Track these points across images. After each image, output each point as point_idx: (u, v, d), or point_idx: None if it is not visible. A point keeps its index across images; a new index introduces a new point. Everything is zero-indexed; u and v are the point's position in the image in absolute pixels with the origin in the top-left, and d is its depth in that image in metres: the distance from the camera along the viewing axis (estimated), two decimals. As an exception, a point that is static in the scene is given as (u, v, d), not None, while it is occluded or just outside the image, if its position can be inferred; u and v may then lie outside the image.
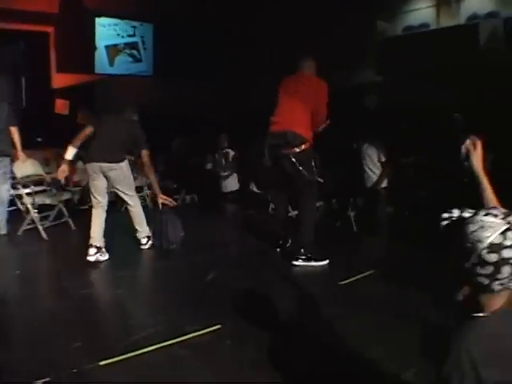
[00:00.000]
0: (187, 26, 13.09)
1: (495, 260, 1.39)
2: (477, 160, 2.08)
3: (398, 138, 7.88)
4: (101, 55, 13.24)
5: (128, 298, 4.16)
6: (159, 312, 3.72)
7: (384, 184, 6.52)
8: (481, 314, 1.48)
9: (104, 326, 3.65)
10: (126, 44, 13.65)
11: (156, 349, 3.13)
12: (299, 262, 4.73)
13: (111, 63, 13.46)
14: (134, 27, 13.68)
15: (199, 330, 3.32)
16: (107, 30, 13.24)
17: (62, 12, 12.00)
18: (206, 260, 4.86)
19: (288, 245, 5.16)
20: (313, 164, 4.77)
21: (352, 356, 3.02)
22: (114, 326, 3.66)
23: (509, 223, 1.42)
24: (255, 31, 13.12)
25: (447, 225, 1.54)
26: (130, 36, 13.66)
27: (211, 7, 12.82)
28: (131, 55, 13.76)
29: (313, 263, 4.71)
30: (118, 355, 3.01)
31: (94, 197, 5.15)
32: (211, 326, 3.37)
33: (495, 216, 1.44)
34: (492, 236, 1.40)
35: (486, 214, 1.45)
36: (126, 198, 5.31)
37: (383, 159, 6.46)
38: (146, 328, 3.40)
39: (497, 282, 1.42)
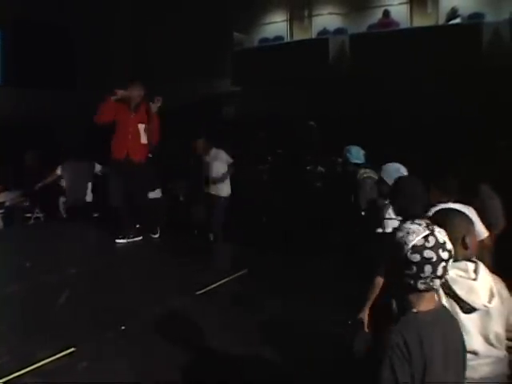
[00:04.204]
0: (39, 30, 12.32)
1: (418, 260, 1.62)
2: None
3: (255, 146, 8.16)
4: None
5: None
6: (3, 342, 3.39)
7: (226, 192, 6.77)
8: (413, 310, 1.69)
9: None
10: (-33, 50, 12.47)
11: (4, 382, 2.87)
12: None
13: (-50, 70, 12.21)
14: (-22, 31, 12.56)
15: (52, 356, 3.11)
16: None
17: None
18: (59, 280, 4.56)
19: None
20: None
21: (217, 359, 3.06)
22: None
23: (430, 230, 1.65)
24: (111, 36, 12.83)
25: (379, 236, 1.76)
26: (-28, 41, 12.50)
27: (63, 11, 12.23)
28: (-26, 62, 12.59)
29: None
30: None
31: None
32: (65, 350, 3.17)
33: (419, 224, 1.68)
34: (415, 239, 1.63)
35: (412, 223, 1.69)
36: None
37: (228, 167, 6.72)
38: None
39: (420, 281, 1.64)
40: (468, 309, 2.05)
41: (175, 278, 4.61)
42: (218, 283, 4.38)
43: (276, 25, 12.74)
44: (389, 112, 8.86)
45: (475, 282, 2.07)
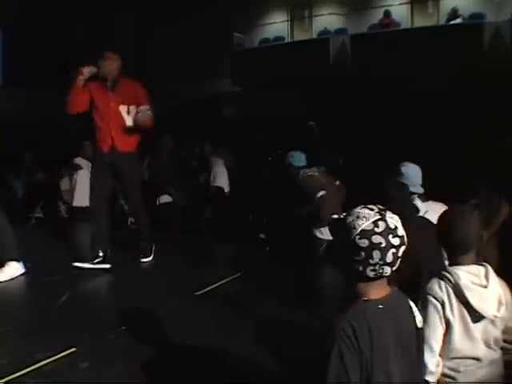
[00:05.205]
0: (39, 31, 12.33)
1: (366, 245, 1.54)
2: None
3: (254, 146, 8.16)
4: None
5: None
6: (3, 342, 3.37)
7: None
8: (363, 298, 1.62)
9: None
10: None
11: (5, 383, 2.86)
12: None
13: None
14: (-23, 31, 12.61)
15: (51, 356, 3.10)
16: None
17: None
18: (62, 280, 4.55)
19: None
20: None
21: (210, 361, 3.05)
22: None
23: (381, 215, 1.56)
24: (111, 36, 12.83)
25: (333, 223, 1.69)
26: (-29, 41, 12.55)
27: (63, 11, 12.24)
28: (-26, 63, 12.63)
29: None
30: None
31: None
32: (65, 351, 3.16)
33: (371, 209, 1.58)
34: (365, 224, 1.55)
35: (363, 207, 1.60)
36: None
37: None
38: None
39: (370, 268, 1.56)
40: (477, 318, 2.03)
41: (175, 278, 4.61)
42: (216, 284, 4.38)
43: (277, 25, 12.77)
44: (389, 111, 8.86)
45: (486, 290, 2.04)
